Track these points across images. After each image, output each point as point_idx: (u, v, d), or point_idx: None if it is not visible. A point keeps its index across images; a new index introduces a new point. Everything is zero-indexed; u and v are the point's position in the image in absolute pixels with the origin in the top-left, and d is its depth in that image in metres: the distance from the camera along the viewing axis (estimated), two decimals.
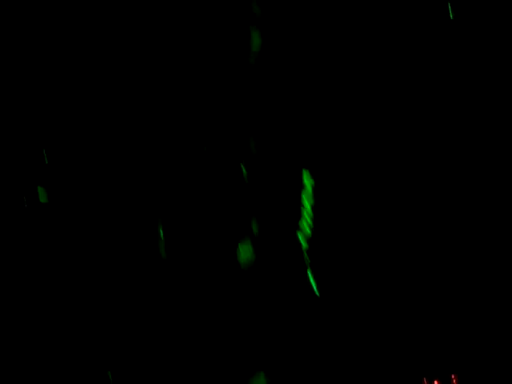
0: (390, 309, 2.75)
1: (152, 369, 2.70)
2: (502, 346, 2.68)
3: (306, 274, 2.71)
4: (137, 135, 2.83)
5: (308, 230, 2.75)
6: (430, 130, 2.80)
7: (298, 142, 2.80)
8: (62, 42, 2.85)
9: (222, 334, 2.67)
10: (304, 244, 2.73)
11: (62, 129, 2.85)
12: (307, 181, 2.79)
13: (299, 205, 2.76)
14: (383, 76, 2.80)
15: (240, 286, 2.67)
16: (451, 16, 2.77)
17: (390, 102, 2.81)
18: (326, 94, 2.78)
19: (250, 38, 2.72)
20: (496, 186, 2.76)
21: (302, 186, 2.78)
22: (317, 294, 2.68)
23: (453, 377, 2.65)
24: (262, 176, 2.76)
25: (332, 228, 2.80)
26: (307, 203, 2.77)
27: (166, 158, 2.80)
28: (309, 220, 2.76)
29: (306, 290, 2.70)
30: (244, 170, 2.73)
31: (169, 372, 2.68)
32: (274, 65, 2.75)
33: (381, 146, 2.79)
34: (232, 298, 2.68)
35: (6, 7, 2.82)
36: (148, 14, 2.80)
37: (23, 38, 2.85)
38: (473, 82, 2.78)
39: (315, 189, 2.77)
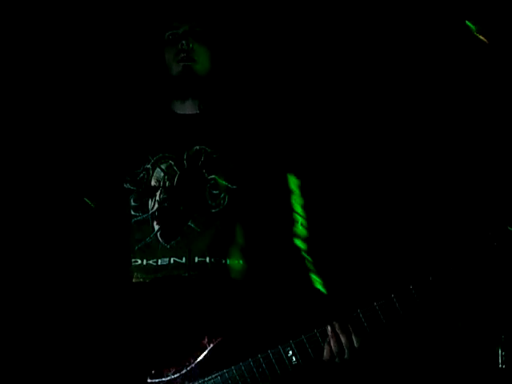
0: None
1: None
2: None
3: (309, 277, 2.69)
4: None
5: (304, 232, 2.75)
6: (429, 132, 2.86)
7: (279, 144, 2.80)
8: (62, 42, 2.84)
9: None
10: (303, 246, 2.73)
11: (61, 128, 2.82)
12: (293, 184, 2.80)
13: (290, 210, 2.75)
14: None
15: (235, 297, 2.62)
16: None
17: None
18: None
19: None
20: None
21: (289, 191, 2.78)
22: (323, 291, 2.66)
23: None
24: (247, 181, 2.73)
25: (327, 226, 2.81)
26: (298, 206, 2.77)
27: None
28: (303, 222, 2.75)
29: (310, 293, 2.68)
30: (223, 182, 2.69)
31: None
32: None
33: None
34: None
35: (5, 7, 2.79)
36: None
37: (23, 38, 2.83)
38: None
39: (303, 188, 2.78)
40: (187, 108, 2.75)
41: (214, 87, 2.75)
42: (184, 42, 2.62)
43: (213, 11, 2.75)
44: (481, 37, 2.78)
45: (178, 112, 2.76)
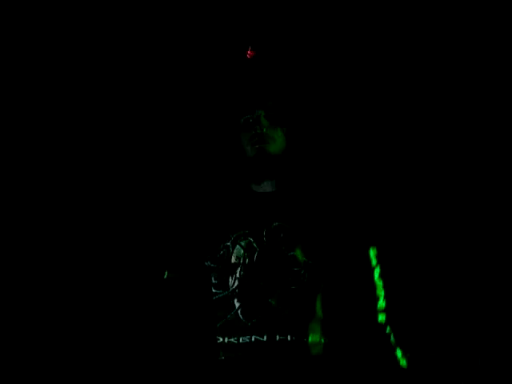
0: None
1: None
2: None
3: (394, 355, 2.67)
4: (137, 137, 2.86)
5: (383, 304, 2.74)
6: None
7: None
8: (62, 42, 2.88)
9: None
10: (383, 319, 2.72)
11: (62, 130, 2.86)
12: (373, 256, 2.80)
13: (373, 285, 2.75)
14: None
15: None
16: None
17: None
18: None
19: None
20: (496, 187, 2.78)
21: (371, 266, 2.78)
22: (404, 366, 2.64)
23: None
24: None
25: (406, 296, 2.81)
26: (377, 277, 2.77)
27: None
28: (382, 293, 2.75)
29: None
30: (303, 258, 2.71)
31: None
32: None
33: None
34: None
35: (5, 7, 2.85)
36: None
37: (23, 38, 2.88)
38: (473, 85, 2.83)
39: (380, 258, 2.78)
40: (264, 187, 2.80)
41: (289, 164, 2.80)
42: (258, 126, 2.69)
43: (285, 96, 2.80)
44: None
45: (256, 190, 2.82)
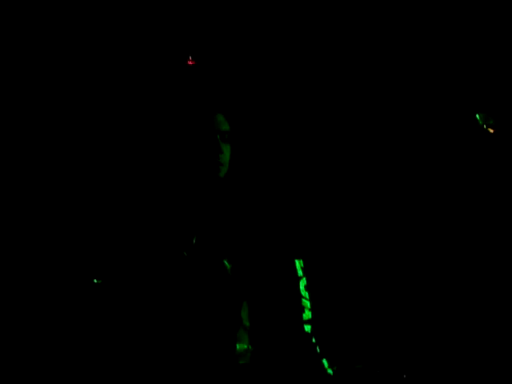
0: None
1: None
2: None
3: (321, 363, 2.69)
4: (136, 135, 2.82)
5: (309, 314, 2.76)
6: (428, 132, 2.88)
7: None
8: (62, 42, 2.85)
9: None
10: (309, 330, 2.73)
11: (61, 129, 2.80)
12: (299, 268, 2.83)
13: (299, 296, 2.77)
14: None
15: None
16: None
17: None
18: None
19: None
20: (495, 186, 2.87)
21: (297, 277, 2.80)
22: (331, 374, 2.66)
23: None
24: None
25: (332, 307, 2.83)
26: (303, 289, 2.80)
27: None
28: (307, 304, 2.77)
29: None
30: (228, 265, 2.72)
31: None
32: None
33: None
34: None
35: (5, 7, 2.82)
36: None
37: (23, 38, 2.84)
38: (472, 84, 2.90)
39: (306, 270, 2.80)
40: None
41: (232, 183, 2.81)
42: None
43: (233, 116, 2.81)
44: None
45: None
